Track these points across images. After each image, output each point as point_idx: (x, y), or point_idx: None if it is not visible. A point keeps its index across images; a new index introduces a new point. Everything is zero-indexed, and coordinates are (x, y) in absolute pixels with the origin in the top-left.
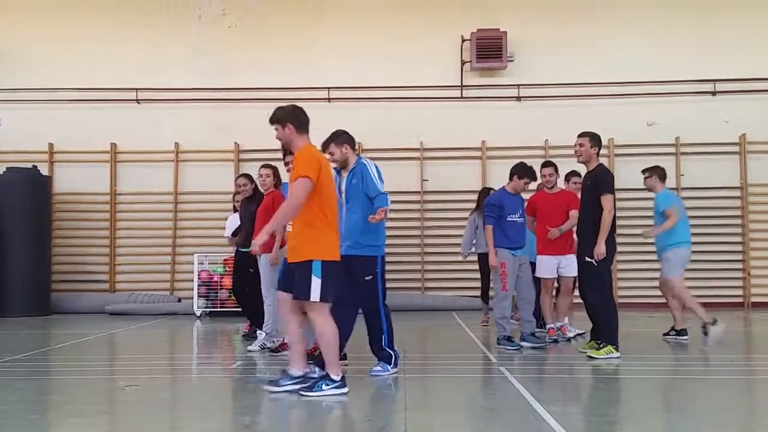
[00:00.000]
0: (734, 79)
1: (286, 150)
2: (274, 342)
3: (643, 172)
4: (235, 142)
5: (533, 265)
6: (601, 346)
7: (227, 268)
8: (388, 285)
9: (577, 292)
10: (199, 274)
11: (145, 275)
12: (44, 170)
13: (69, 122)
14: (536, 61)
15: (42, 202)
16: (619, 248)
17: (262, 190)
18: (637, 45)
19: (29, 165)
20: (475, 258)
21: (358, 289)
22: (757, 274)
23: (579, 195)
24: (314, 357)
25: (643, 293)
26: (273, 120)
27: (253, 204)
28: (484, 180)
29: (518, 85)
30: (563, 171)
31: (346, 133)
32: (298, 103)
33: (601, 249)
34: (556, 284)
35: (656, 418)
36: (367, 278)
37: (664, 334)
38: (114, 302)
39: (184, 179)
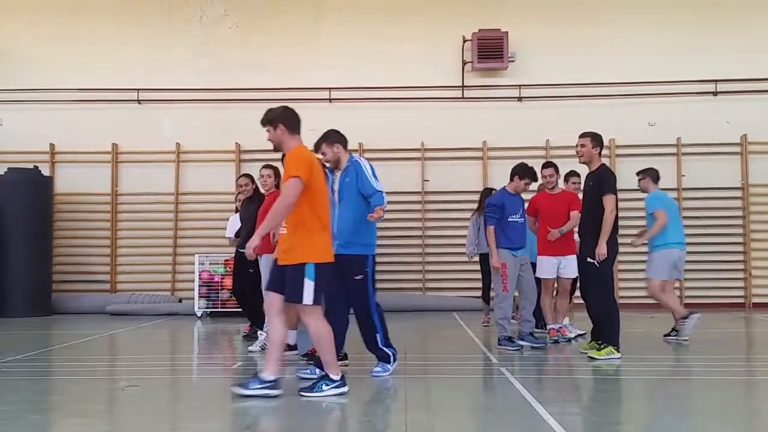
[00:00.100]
0: (736, 80)
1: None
2: None
3: (637, 174)
4: (237, 143)
5: (533, 265)
6: (602, 346)
7: (228, 269)
8: (389, 285)
9: (578, 293)
10: (200, 275)
11: (146, 275)
12: (45, 171)
13: (70, 123)
14: (537, 62)
15: (43, 203)
16: (620, 249)
17: (263, 191)
18: (638, 45)
19: (30, 165)
20: (477, 258)
21: (348, 289)
22: (758, 274)
23: (578, 195)
24: (314, 357)
25: (644, 294)
26: (264, 121)
27: (253, 204)
28: (485, 180)
29: (519, 86)
30: (564, 171)
31: (337, 132)
32: (300, 104)
33: (602, 249)
34: (555, 285)
35: (657, 419)
36: (357, 278)
37: (665, 335)
38: (115, 302)
39: (185, 180)
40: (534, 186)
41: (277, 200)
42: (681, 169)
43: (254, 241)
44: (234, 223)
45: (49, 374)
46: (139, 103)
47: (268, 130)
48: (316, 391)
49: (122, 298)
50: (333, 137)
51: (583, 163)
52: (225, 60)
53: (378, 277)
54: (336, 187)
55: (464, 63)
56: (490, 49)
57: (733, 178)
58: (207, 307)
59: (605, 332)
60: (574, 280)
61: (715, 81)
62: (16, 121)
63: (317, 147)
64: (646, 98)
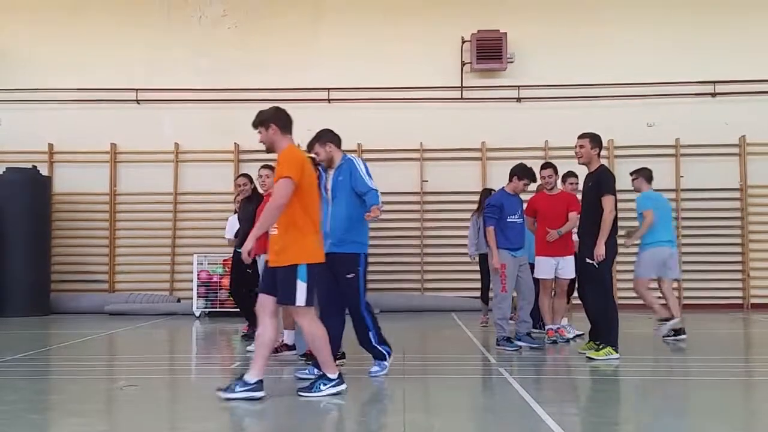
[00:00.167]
0: (734, 81)
1: None
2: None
3: (631, 173)
4: (235, 143)
5: (532, 266)
6: (601, 347)
7: (226, 269)
8: (387, 286)
9: (576, 293)
10: (198, 275)
11: (144, 275)
12: (44, 170)
13: (69, 122)
14: (536, 63)
15: (42, 203)
16: (619, 249)
17: (262, 191)
18: (637, 46)
19: (29, 165)
20: (476, 258)
21: (340, 288)
22: (757, 275)
23: (576, 196)
24: (312, 358)
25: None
26: (256, 123)
27: (251, 204)
28: (483, 181)
29: (518, 87)
30: (563, 172)
31: (330, 132)
32: (298, 104)
33: (600, 250)
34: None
35: (655, 420)
36: (349, 276)
37: (664, 336)
38: (113, 302)
39: (184, 180)
40: (533, 186)
41: (269, 201)
42: (680, 170)
43: (248, 244)
44: (233, 224)
45: (47, 374)
46: (138, 103)
47: (260, 132)
48: (315, 391)
49: (121, 297)
50: (326, 137)
51: (582, 164)
52: (224, 60)
53: (377, 277)
54: (329, 186)
55: (463, 64)
56: (489, 50)
57: (731, 179)
58: (205, 307)
59: (604, 333)
60: (572, 281)
61: (714, 82)
62: (15, 120)
63: (310, 147)
64: (644, 99)
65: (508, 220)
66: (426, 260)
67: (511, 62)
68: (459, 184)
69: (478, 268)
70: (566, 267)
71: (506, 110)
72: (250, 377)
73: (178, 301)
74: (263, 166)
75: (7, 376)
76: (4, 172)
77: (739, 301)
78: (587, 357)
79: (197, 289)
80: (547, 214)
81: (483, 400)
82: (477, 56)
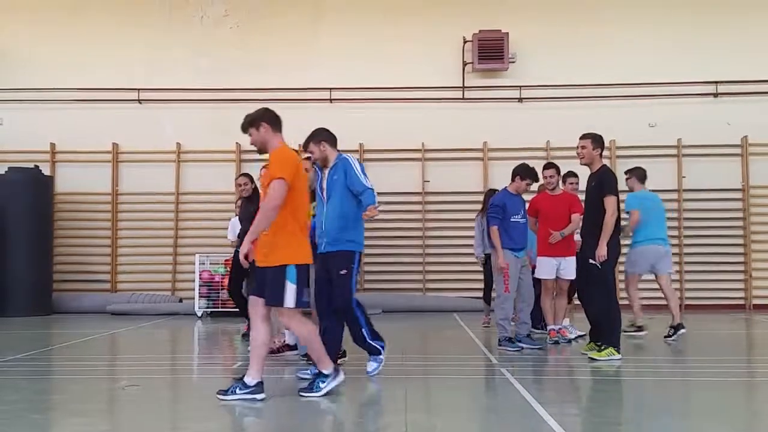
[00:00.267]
0: (736, 81)
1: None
2: (274, 342)
3: (625, 173)
4: (237, 143)
5: (533, 266)
6: (603, 347)
7: (228, 269)
8: (389, 286)
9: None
10: (200, 275)
11: (146, 275)
12: (46, 170)
13: (71, 122)
14: (538, 63)
15: (44, 202)
16: (621, 249)
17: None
18: (639, 46)
19: (31, 165)
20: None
21: (332, 285)
22: (759, 276)
23: (577, 196)
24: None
25: (644, 295)
26: (245, 125)
27: (252, 204)
28: (485, 181)
29: (520, 87)
30: (564, 172)
31: (325, 131)
32: (299, 104)
33: (602, 251)
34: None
35: (657, 420)
36: (341, 272)
37: (665, 336)
38: (115, 302)
39: (185, 179)
40: (534, 187)
41: (264, 203)
42: (681, 170)
43: (245, 247)
44: (235, 225)
45: (49, 373)
46: (140, 103)
47: (250, 134)
48: (315, 390)
49: (123, 297)
50: (320, 135)
51: (584, 164)
52: (225, 60)
53: (378, 277)
54: (324, 185)
55: (465, 64)
56: (491, 50)
57: (733, 180)
58: (207, 307)
59: (606, 333)
60: (573, 281)
61: (716, 82)
62: (17, 120)
63: (305, 146)
64: (646, 99)
65: (512, 219)
66: (428, 260)
67: (513, 62)
68: (460, 184)
69: (480, 268)
70: (568, 267)
71: (508, 110)
72: (250, 379)
73: (180, 301)
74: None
75: (9, 376)
76: (6, 171)
77: (741, 302)
78: (589, 358)
79: (199, 289)
80: (550, 214)
81: (484, 400)
82: (478, 56)
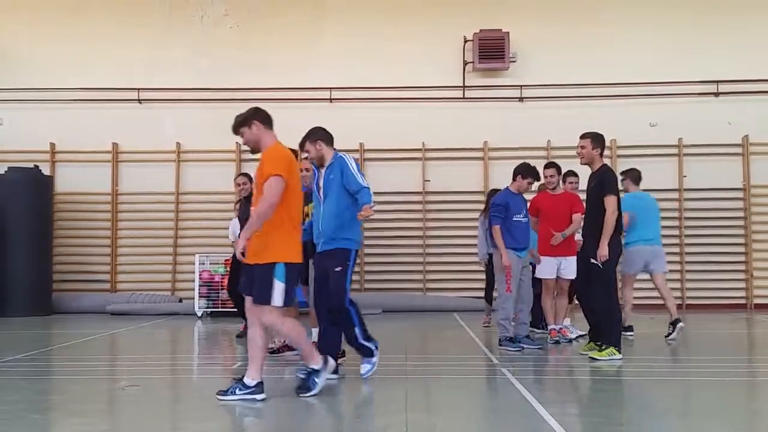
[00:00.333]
0: (737, 80)
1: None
2: (275, 342)
3: (620, 174)
4: (237, 143)
5: (533, 266)
6: (603, 347)
7: (228, 269)
8: (389, 285)
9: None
10: (200, 275)
11: (146, 275)
12: (46, 170)
13: (71, 122)
14: (539, 62)
15: (44, 202)
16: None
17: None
18: (639, 46)
19: (31, 165)
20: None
21: (327, 282)
22: (760, 275)
23: (578, 196)
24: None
25: (645, 294)
26: (236, 125)
27: (251, 204)
28: (486, 181)
29: (521, 86)
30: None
31: (321, 129)
32: (300, 104)
33: (603, 251)
34: None
35: (657, 420)
36: (336, 269)
37: (666, 336)
38: (115, 302)
39: (185, 179)
40: (534, 186)
41: (261, 200)
42: (682, 169)
43: (240, 243)
44: (235, 225)
45: (49, 374)
46: (140, 103)
47: (242, 133)
48: (312, 388)
49: (122, 297)
50: (316, 134)
51: (584, 164)
52: (225, 60)
53: (379, 277)
54: (321, 183)
55: (465, 63)
56: (492, 50)
57: (734, 179)
58: (207, 307)
59: (607, 333)
60: (574, 281)
61: (717, 82)
62: (17, 120)
63: (302, 145)
64: (647, 99)
65: (514, 219)
66: (428, 260)
67: (514, 62)
68: (461, 183)
69: (481, 268)
70: (568, 267)
71: (508, 110)
72: (249, 380)
73: (180, 301)
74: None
75: (9, 376)
76: (5, 171)
77: (742, 302)
78: (590, 357)
79: (199, 289)
80: (550, 214)
81: (485, 400)
82: (479, 56)
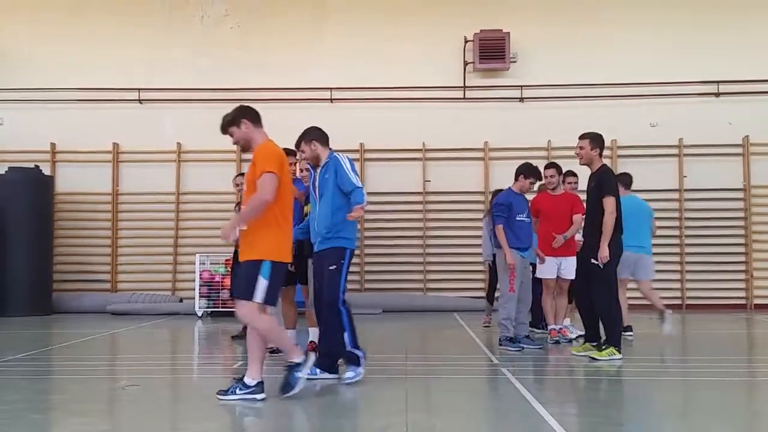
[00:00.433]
0: (738, 81)
1: (289, 150)
2: None
3: None
4: None
5: (533, 266)
6: (604, 347)
7: (228, 269)
8: (390, 285)
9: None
10: (200, 274)
11: (146, 275)
12: (46, 170)
13: (71, 122)
14: (539, 62)
15: (44, 202)
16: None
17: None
18: (640, 46)
19: (31, 165)
20: (481, 259)
21: (322, 281)
22: (760, 275)
23: (579, 197)
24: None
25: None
26: (224, 125)
27: None
28: (486, 181)
29: (521, 86)
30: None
31: (317, 129)
32: (300, 104)
33: (603, 252)
34: None
35: (657, 420)
36: (330, 268)
37: (658, 318)
38: (116, 302)
39: (186, 179)
40: (534, 187)
41: (254, 196)
42: (683, 170)
43: (229, 228)
44: None
45: (49, 373)
46: (140, 103)
47: (232, 133)
48: (295, 385)
49: (123, 297)
50: (311, 134)
51: (583, 164)
52: (225, 60)
53: (378, 277)
54: (316, 183)
55: (466, 63)
56: (492, 50)
57: (735, 180)
58: (208, 307)
59: (607, 333)
60: (574, 281)
61: (717, 82)
62: (17, 120)
63: (297, 145)
64: (648, 99)
65: (517, 218)
66: (428, 260)
67: (514, 62)
68: (462, 184)
69: (482, 268)
70: (568, 267)
71: (509, 110)
72: (250, 379)
73: (181, 301)
74: None
75: (9, 376)
76: (6, 171)
77: (742, 302)
78: (590, 357)
79: (199, 289)
80: (551, 214)
81: (485, 400)
82: (480, 56)
